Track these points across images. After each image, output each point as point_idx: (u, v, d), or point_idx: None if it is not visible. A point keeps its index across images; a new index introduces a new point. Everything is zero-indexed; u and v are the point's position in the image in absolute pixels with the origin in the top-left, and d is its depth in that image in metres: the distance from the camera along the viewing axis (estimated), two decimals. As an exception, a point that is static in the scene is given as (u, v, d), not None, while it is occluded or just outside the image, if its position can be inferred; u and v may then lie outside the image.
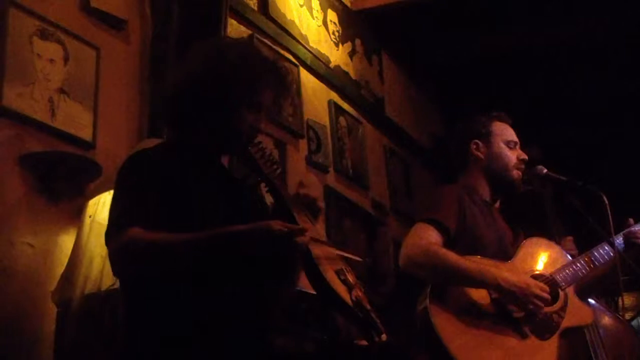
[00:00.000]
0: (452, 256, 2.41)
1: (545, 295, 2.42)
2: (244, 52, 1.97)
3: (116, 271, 1.85)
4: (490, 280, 2.40)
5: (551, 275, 2.56)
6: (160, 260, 1.72)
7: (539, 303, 2.40)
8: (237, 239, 1.72)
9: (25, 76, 2.69)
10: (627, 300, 4.81)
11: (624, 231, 2.72)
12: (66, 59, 2.85)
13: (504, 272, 2.43)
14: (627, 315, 4.21)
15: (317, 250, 1.83)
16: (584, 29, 5.27)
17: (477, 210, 2.64)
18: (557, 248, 2.70)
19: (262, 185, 1.94)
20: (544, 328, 2.45)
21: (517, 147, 2.77)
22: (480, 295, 2.42)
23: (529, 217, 2.88)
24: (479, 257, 2.49)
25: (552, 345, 2.45)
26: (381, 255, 4.81)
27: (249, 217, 1.85)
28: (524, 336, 2.41)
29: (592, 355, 2.62)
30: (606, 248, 2.68)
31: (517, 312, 2.42)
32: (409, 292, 2.48)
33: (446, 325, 2.32)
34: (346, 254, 1.98)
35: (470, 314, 2.38)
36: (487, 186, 2.75)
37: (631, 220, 2.75)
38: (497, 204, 2.80)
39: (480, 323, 2.38)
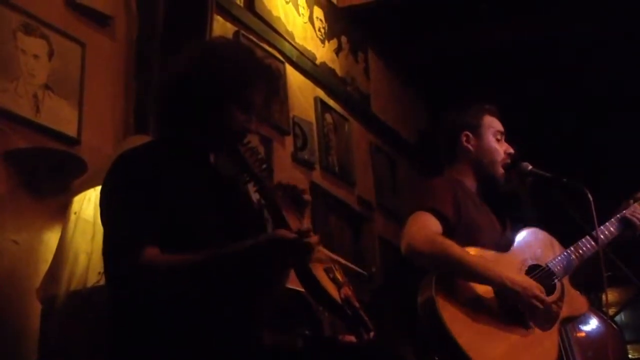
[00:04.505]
0: (457, 249, 2.42)
1: (543, 296, 2.46)
2: (236, 51, 1.97)
3: (130, 291, 1.74)
4: (496, 279, 2.43)
5: (547, 266, 2.59)
6: (177, 285, 1.70)
7: (537, 304, 2.43)
8: (253, 256, 1.74)
9: (9, 72, 2.66)
10: (610, 296, 4.85)
11: (624, 212, 2.75)
12: (51, 55, 2.83)
13: (507, 271, 2.46)
14: (611, 311, 4.24)
15: None
16: (566, 26, 5.31)
17: (469, 201, 2.66)
18: (551, 239, 2.72)
19: (251, 185, 1.94)
20: (545, 319, 2.50)
21: (504, 138, 2.79)
22: (484, 289, 2.45)
23: (505, 210, 2.89)
24: (480, 249, 2.51)
25: (553, 335, 2.51)
26: (367, 252, 4.82)
27: (239, 216, 1.85)
28: (527, 328, 2.45)
29: (563, 353, 2.65)
30: (590, 243, 2.70)
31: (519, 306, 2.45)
32: (395, 288, 2.48)
33: (454, 319, 2.33)
34: (349, 265, 1.99)
35: (475, 306, 2.40)
36: (474, 178, 2.77)
37: (630, 202, 2.79)
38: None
39: (485, 316, 2.40)
